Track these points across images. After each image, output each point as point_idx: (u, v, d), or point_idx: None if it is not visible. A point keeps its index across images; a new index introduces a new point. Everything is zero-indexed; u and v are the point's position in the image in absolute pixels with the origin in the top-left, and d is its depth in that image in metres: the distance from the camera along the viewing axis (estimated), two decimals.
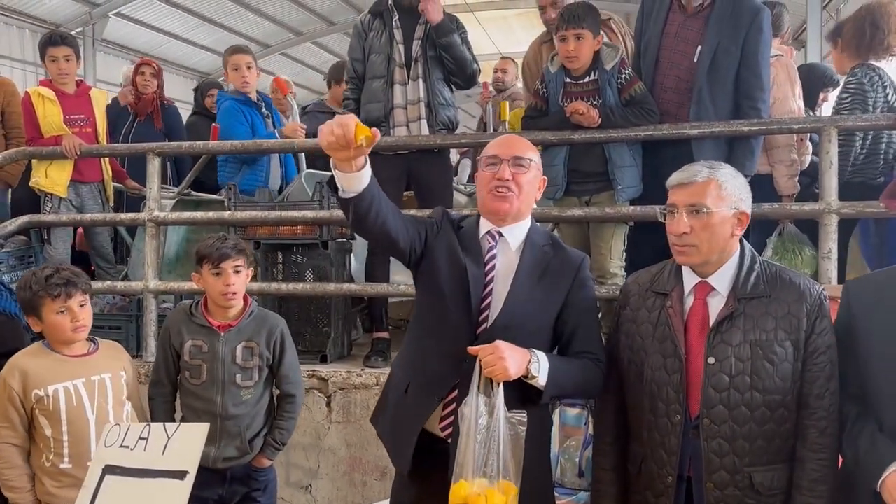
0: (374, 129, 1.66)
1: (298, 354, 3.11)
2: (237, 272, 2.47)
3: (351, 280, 3.89)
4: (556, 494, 2.72)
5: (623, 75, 3.13)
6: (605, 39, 3.22)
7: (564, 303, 1.97)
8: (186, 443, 1.50)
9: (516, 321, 1.89)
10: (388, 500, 2.17)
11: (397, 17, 3.56)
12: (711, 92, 3.12)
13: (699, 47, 3.11)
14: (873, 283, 1.94)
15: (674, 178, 1.94)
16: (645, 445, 1.95)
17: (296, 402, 2.62)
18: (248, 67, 4.24)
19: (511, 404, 1.79)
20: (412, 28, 3.55)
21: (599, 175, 3.18)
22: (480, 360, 1.79)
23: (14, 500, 2.21)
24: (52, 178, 3.91)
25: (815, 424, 1.81)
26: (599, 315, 3.32)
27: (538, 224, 2.12)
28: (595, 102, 3.11)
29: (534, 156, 2.01)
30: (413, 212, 3.30)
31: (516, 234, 2.01)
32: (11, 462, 2.20)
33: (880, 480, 1.70)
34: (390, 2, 3.58)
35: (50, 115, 3.89)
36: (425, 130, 3.54)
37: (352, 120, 1.63)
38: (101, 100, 4.17)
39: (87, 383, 2.25)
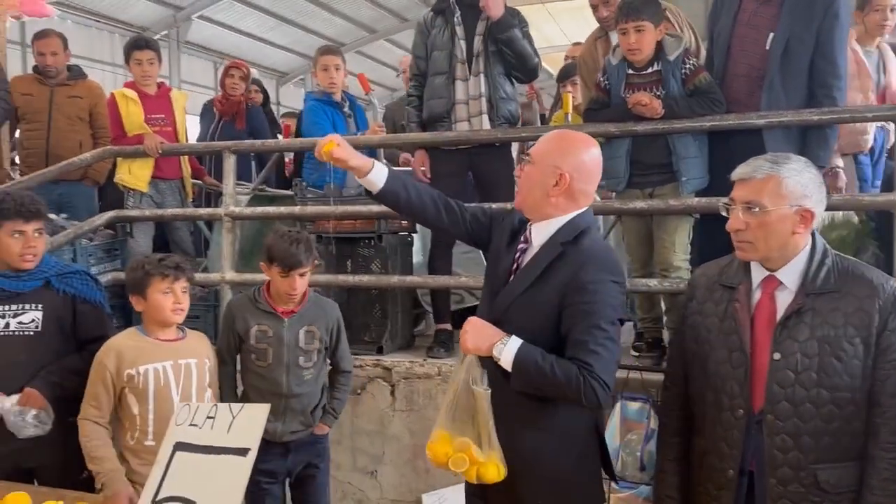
0: (332, 136, 2.01)
1: (361, 345, 3.42)
2: (302, 276, 2.61)
3: (411, 272, 3.97)
4: (616, 487, 2.74)
5: (687, 65, 3.08)
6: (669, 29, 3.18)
7: (562, 305, 1.88)
8: (249, 422, 1.60)
9: (508, 317, 1.93)
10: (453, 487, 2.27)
11: (459, 13, 3.60)
12: (784, 80, 3.04)
13: (771, 34, 3.03)
14: None
15: (736, 172, 1.91)
16: (707, 439, 1.94)
17: (349, 376, 2.93)
18: (336, 68, 4.33)
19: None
20: (474, 24, 3.58)
21: (663, 166, 3.15)
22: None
23: (97, 471, 2.38)
24: (135, 175, 4.14)
25: (888, 423, 1.77)
26: (664, 308, 3.33)
27: (577, 222, 1.99)
28: (658, 93, 3.08)
29: (544, 151, 2.00)
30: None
31: (542, 232, 2.00)
32: (95, 435, 2.39)
33: None
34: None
35: (132, 115, 4.11)
36: (486, 125, 3.56)
37: (325, 139, 2.00)
38: (180, 100, 4.38)
39: (175, 366, 2.43)
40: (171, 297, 2.42)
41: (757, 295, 1.90)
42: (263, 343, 2.64)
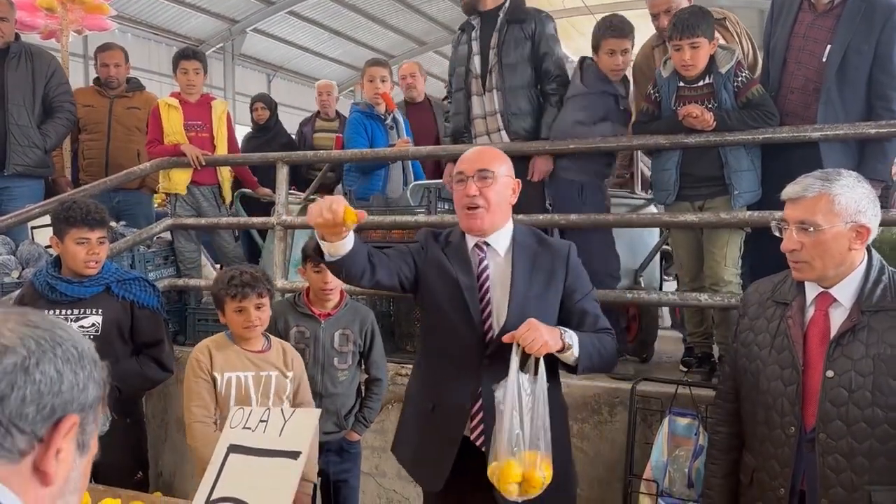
0: (360, 211, 1.76)
1: (404, 354, 3.48)
2: None
3: None
4: (662, 503, 2.71)
5: (740, 78, 3.05)
6: (721, 41, 3.15)
7: (564, 291, 2.06)
8: (301, 426, 1.63)
9: (525, 316, 1.93)
10: None
11: (478, 28, 3.62)
12: (841, 92, 2.99)
13: (829, 46, 2.98)
14: None
15: (786, 191, 1.88)
16: (758, 456, 1.92)
17: (382, 385, 2.95)
18: (383, 80, 4.42)
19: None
20: (489, 37, 3.58)
21: (714, 179, 3.11)
22: (517, 341, 1.84)
23: None
24: (174, 180, 4.27)
25: None
26: (714, 323, 3.29)
27: (522, 225, 2.20)
28: (710, 106, 3.05)
29: (499, 165, 2.05)
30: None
31: (501, 240, 2.09)
32: (207, 440, 2.31)
33: None
34: (473, 15, 3.65)
35: (172, 121, 4.25)
36: (506, 140, 3.55)
37: (341, 206, 1.73)
38: (219, 109, 4.50)
39: (256, 377, 2.48)
40: (242, 316, 2.47)
41: (810, 312, 1.86)
42: (301, 343, 2.77)
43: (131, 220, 4.50)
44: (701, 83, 3.08)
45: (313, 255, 1.94)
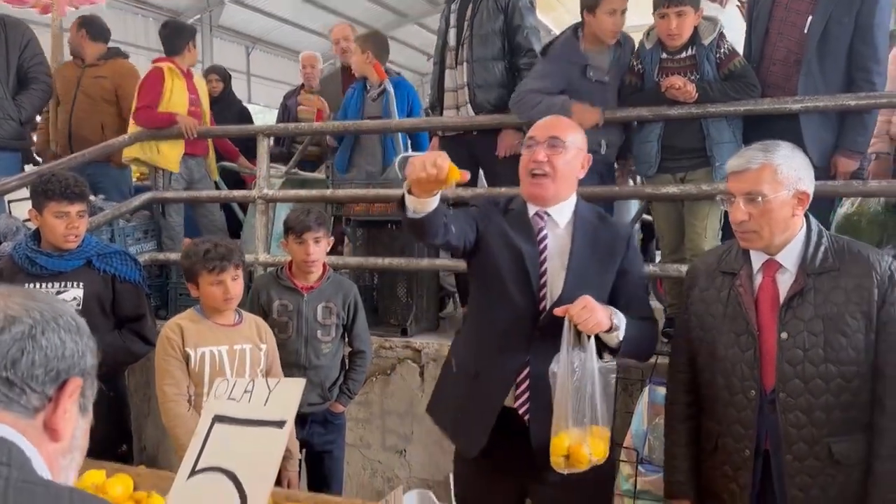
0: (464, 172, 1.70)
1: (387, 327, 3.50)
2: (317, 242, 2.74)
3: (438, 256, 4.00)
4: (642, 470, 2.76)
5: (722, 49, 3.05)
6: (705, 13, 3.15)
7: (618, 272, 2.04)
8: (286, 395, 1.63)
9: (580, 293, 1.89)
10: (454, 490, 2.26)
11: (458, 1, 3.60)
12: (822, 64, 3.01)
13: (810, 17, 2.99)
14: None
15: (730, 164, 1.94)
16: (721, 422, 1.97)
17: (365, 357, 2.97)
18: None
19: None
20: (466, 9, 3.55)
21: (695, 151, 3.13)
22: (571, 317, 1.82)
23: (182, 457, 2.41)
24: (165, 155, 4.21)
25: (892, 393, 1.80)
26: None
27: (584, 200, 2.16)
28: (692, 77, 3.06)
29: (573, 136, 2.02)
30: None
31: (564, 212, 2.05)
32: (179, 421, 2.37)
33: None
34: None
35: (177, 93, 4.19)
36: (471, 114, 3.55)
37: (446, 161, 1.66)
38: (202, 85, 4.47)
39: (230, 351, 2.47)
40: (220, 288, 2.44)
41: (759, 279, 1.93)
42: (284, 316, 2.79)
43: (103, 194, 4.43)
44: (684, 54, 3.08)
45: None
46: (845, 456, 1.83)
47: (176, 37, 4.38)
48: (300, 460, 2.78)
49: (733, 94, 3.03)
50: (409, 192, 1.75)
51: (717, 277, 2.01)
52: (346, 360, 2.99)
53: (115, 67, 4.72)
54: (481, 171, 3.78)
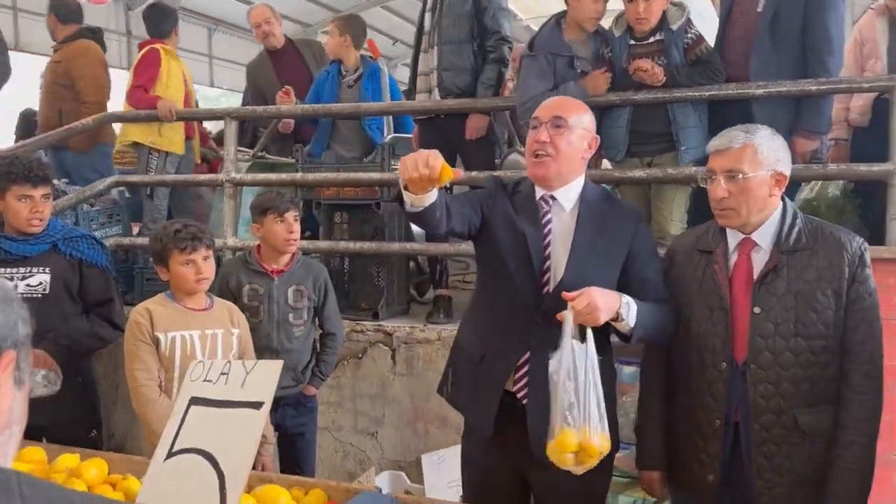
0: (457, 170, 1.68)
1: (358, 311, 3.52)
2: (296, 221, 2.77)
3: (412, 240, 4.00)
4: None
5: (689, 35, 3.10)
6: None
7: (628, 256, 2.00)
8: (263, 377, 1.63)
9: (583, 279, 1.88)
10: (461, 466, 2.23)
11: None
12: (774, 43, 3.06)
13: None
14: None
15: (713, 143, 1.99)
16: (693, 394, 2.02)
17: (336, 339, 2.99)
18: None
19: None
20: None
21: (662, 136, 3.17)
22: (572, 307, 1.78)
23: (154, 442, 2.39)
24: (169, 138, 4.17)
25: (859, 368, 1.87)
26: None
27: (592, 183, 2.14)
28: (661, 62, 3.10)
29: (578, 116, 1.99)
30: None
31: (570, 195, 2.03)
32: (153, 405, 2.35)
33: None
34: None
35: (174, 76, 4.15)
36: (438, 98, 3.57)
37: (439, 161, 1.65)
38: (185, 68, 4.42)
39: (202, 336, 2.44)
40: (192, 268, 2.41)
41: (734, 257, 1.99)
42: (255, 301, 2.78)
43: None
44: (652, 39, 3.12)
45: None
46: (811, 427, 1.90)
47: (163, 20, 4.32)
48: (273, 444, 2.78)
49: (700, 79, 3.09)
50: (405, 188, 1.75)
51: (695, 256, 2.06)
52: (317, 343, 3.00)
53: (70, 50, 4.58)
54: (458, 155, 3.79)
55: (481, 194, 2.08)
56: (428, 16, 3.61)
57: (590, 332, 1.80)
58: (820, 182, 3.41)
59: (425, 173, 1.65)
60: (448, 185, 1.75)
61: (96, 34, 4.74)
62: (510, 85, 3.79)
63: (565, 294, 1.81)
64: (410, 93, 3.79)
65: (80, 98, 4.45)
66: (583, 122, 2.01)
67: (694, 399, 2.02)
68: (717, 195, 1.93)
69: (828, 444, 1.90)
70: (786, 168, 1.95)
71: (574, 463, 1.78)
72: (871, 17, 3.57)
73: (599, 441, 1.75)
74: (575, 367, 1.75)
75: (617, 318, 1.85)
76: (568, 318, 1.79)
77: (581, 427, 1.75)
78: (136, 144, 4.26)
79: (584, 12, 3.21)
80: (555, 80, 3.17)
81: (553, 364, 1.78)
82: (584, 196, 2.04)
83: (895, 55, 3.42)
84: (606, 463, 2.11)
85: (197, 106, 4.59)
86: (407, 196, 1.76)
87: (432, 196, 1.76)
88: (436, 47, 3.56)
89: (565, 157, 1.97)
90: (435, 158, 1.66)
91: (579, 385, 1.75)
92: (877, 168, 2.99)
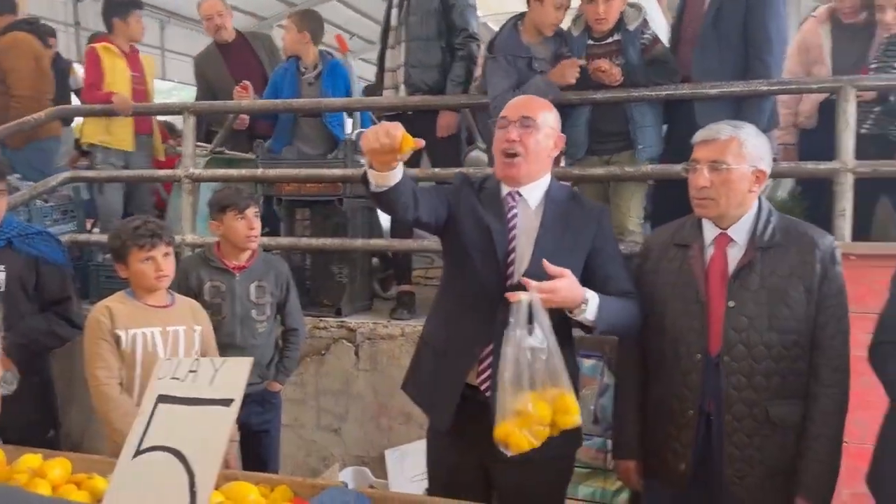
0: (418, 140, 1.72)
1: (321, 308, 3.52)
2: (257, 217, 2.77)
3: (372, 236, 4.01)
4: None
5: (646, 35, 3.17)
6: None
7: (590, 252, 2.04)
8: (232, 374, 1.62)
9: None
10: (426, 461, 2.24)
11: None
12: (718, 42, 3.15)
13: None
14: None
15: (699, 134, 2.05)
16: (667, 385, 2.08)
17: (299, 334, 3.00)
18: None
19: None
20: None
21: (620, 135, 3.25)
22: (533, 287, 1.80)
23: (116, 441, 2.35)
24: (116, 135, 4.10)
25: (828, 363, 1.94)
26: None
27: (558, 181, 2.17)
28: (618, 62, 3.16)
29: (544, 115, 2.03)
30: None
31: (535, 193, 2.07)
32: (115, 403, 2.32)
33: None
34: None
35: (119, 71, 4.07)
36: (403, 94, 3.60)
37: (399, 130, 1.67)
38: (149, 63, 4.38)
39: (163, 333, 2.41)
40: (152, 265, 2.37)
41: (710, 251, 2.05)
42: (217, 298, 2.76)
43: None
44: (610, 40, 3.19)
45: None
46: (781, 419, 1.97)
47: (105, 14, 4.23)
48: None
49: (656, 78, 3.17)
50: (371, 167, 1.77)
51: (671, 250, 2.11)
52: (280, 340, 2.99)
53: (2, 42, 4.44)
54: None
55: (448, 189, 2.12)
56: (394, 12, 3.62)
57: (547, 320, 1.80)
58: (769, 185, 3.52)
59: (386, 142, 1.67)
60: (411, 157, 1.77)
61: (34, 25, 4.62)
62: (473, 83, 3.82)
63: (525, 280, 1.85)
64: (377, 89, 3.79)
65: (10, 91, 4.33)
66: (549, 121, 2.05)
67: (668, 389, 2.08)
68: (699, 184, 1.98)
69: (798, 436, 1.97)
70: (766, 167, 2.01)
71: (514, 451, 1.77)
72: (814, 24, 3.70)
73: (533, 432, 1.75)
74: (519, 355, 1.77)
75: (578, 309, 1.88)
76: (523, 300, 1.80)
77: (516, 417, 1.75)
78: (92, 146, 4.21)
79: (546, 18, 3.25)
80: (518, 77, 3.21)
81: (504, 351, 1.79)
82: (549, 194, 2.08)
83: (839, 59, 3.56)
84: (568, 454, 2.17)
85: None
86: (372, 176, 1.79)
87: (397, 175, 1.78)
88: (403, 44, 3.57)
89: (534, 155, 2.01)
90: (395, 128, 1.67)
91: (520, 374, 1.76)
92: (823, 166, 3.11)
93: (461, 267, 2.07)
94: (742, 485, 1.99)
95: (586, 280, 2.00)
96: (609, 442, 2.83)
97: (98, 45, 4.18)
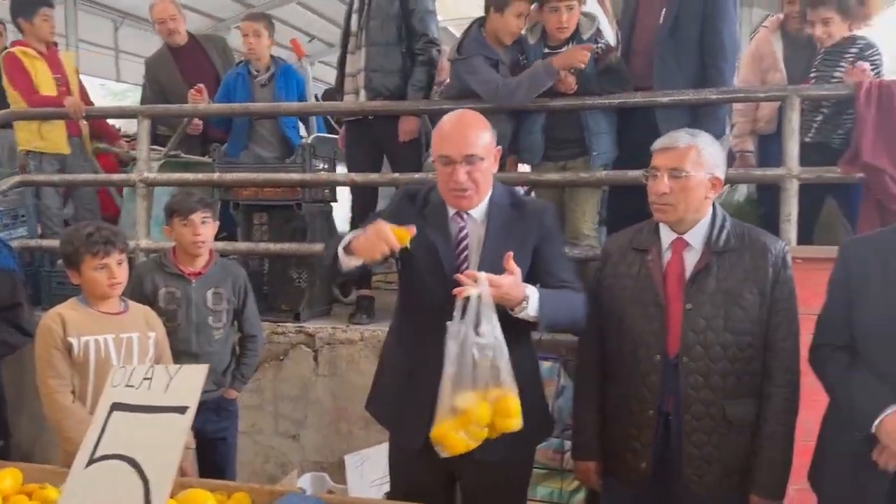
0: (410, 227, 1.80)
1: (279, 313, 3.50)
2: (204, 223, 2.72)
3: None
4: None
5: (600, 44, 3.24)
6: (584, 8, 3.32)
7: (534, 251, 2.06)
8: (187, 382, 1.62)
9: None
10: (389, 471, 2.24)
11: None
12: (676, 53, 3.23)
13: (664, 9, 3.22)
14: (870, 242, 2.01)
15: (658, 142, 2.11)
16: (627, 386, 2.13)
17: (257, 341, 2.98)
18: (257, 35, 4.14)
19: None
20: None
21: (575, 142, 3.30)
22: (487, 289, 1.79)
23: (69, 451, 2.30)
24: (49, 139, 4.00)
25: (780, 364, 2.02)
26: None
27: (501, 184, 2.17)
28: (572, 70, 3.22)
29: (483, 140, 2.00)
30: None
31: (481, 207, 2.07)
32: (67, 412, 2.29)
33: (877, 422, 1.76)
34: None
35: (41, 74, 3.96)
36: (364, 98, 3.62)
37: (390, 234, 1.78)
38: (69, 60, 4.24)
39: (116, 340, 2.37)
40: (105, 273, 2.33)
41: (667, 256, 2.11)
42: (173, 304, 2.73)
43: None
44: (565, 49, 3.24)
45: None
46: (737, 418, 2.04)
47: (12, 16, 4.10)
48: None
49: (609, 87, 3.23)
50: (348, 255, 1.87)
51: (629, 254, 2.17)
52: (237, 346, 2.97)
53: None
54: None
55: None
56: (355, 17, 3.62)
57: (495, 317, 1.80)
58: (725, 191, 3.63)
59: (387, 251, 1.81)
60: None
61: None
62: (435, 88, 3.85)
63: (472, 273, 1.85)
64: (337, 93, 3.79)
65: None
66: (487, 142, 2.01)
67: (628, 390, 2.13)
68: (659, 190, 2.04)
69: (753, 434, 2.04)
70: (722, 174, 2.08)
71: (463, 443, 1.76)
72: (766, 33, 3.81)
73: (470, 432, 1.75)
74: (459, 355, 1.76)
75: (520, 306, 1.88)
76: (472, 296, 1.78)
77: (453, 418, 1.75)
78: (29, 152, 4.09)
79: (507, 27, 3.28)
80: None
81: (447, 340, 1.79)
82: (493, 199, 2.09)
83: (792, 66, 3.67)
84: (529, 455, 2.21)
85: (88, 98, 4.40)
86: (347, 261, 1.90)
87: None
88: (363, 48, 3.58)
89: (484, 185, 2.03)
90: (386, 234, 1.78)
91: (466, 359, 1.76)
92: (771, 172, 3.22)
93: (414, 287, 2.10)
94: (701, 483, 2.05)
95: (530, 276, 2.01)
96: (566, 443, 2.89)
97: (15, 49, 4.06)
